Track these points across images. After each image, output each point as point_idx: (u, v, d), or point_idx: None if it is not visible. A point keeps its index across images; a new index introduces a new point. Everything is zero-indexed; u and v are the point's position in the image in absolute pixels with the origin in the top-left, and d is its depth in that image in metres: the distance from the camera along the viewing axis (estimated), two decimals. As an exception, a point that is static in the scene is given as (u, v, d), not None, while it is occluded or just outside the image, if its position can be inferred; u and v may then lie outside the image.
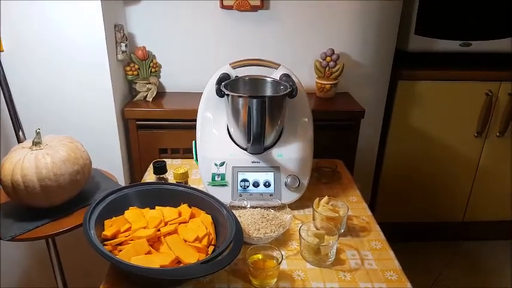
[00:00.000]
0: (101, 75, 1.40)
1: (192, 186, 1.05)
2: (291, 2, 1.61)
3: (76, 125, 1.45)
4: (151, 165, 1.19)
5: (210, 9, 1.60)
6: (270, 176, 1.09)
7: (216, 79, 1.11)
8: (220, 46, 1.67)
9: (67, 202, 1.06)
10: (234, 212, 0.95)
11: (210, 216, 0.94)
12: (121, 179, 1.55)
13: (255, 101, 0.97)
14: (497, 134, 1.89)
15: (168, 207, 0.95)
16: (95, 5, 1.31)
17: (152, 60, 1.64)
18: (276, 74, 1.16)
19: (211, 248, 0.87)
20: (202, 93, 1.17)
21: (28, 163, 0.96)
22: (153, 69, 1.64)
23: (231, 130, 1.12)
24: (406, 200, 2.02)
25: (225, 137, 1.13)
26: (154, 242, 0.86)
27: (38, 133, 1.02)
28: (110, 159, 1.51)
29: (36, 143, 1.02)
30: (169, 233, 0.87)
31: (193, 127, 1.16)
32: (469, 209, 2.05)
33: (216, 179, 1.09)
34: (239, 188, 1.08)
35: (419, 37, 1.74)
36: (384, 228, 1.03)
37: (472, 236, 2.15)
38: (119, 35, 1.48)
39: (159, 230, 0.87)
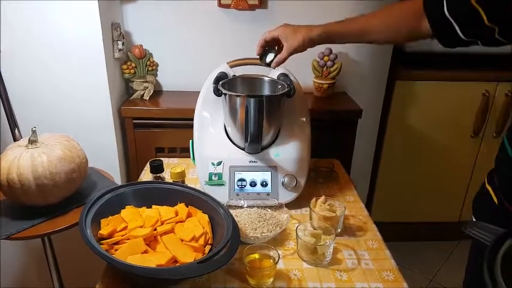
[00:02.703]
0: (97, 74, 1.40)
1: (189, 185, 1.05)
2: (289, 1, 1.61)
3: (72, 124, 1.44)
4: (148, 164, 1.19)
5: (208, 8, 1.60)
6: (267, 176, 1.08)
7: (214, 78, 1.11)
8: (218, 45, 1.66)
9: (63, 201, 1.05)
10: (231, 211, 0.95)
11: (206, 215, 0.93)
12: (117, 178, 1.54)
13: (252, 100, 0.97)
14: (494, 135, 1.89)
15: (164, 207, 0.94)
16: (92, 3, 1.30)
17: (149, 59, 1.63)
18: (274, 74, 1.16)
19: (207, 248, 0.86)
20: (199, 92, 1.17)
21: (24, 161, 0.96)
22: (150, 68, 1.63)
23: (229, 129, 1.12)
24: (403, 200, 2.02)
25: (222, 136, 1.13)
26: (151, 241, 0.85)
27: (34, 131, 1.01)
28: (106, 158, 1.50)
29: (32, 142, 1.01)
30: (166, 232, 0.87)
31: (191, 126, 1.15)
32: (465, 209, 2.06)
33: (213, 178, 1.08)
34: (236, 187, 1.08)
35: (417, 37, 1.74)
36: (380, 227, 1.03)
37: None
38: (115, 33, 1.47)
39: (155, 229, 0.87)
